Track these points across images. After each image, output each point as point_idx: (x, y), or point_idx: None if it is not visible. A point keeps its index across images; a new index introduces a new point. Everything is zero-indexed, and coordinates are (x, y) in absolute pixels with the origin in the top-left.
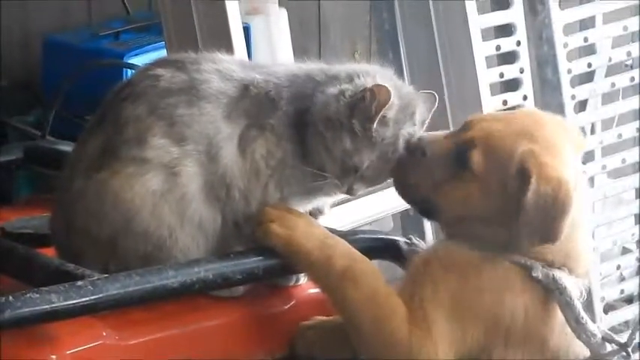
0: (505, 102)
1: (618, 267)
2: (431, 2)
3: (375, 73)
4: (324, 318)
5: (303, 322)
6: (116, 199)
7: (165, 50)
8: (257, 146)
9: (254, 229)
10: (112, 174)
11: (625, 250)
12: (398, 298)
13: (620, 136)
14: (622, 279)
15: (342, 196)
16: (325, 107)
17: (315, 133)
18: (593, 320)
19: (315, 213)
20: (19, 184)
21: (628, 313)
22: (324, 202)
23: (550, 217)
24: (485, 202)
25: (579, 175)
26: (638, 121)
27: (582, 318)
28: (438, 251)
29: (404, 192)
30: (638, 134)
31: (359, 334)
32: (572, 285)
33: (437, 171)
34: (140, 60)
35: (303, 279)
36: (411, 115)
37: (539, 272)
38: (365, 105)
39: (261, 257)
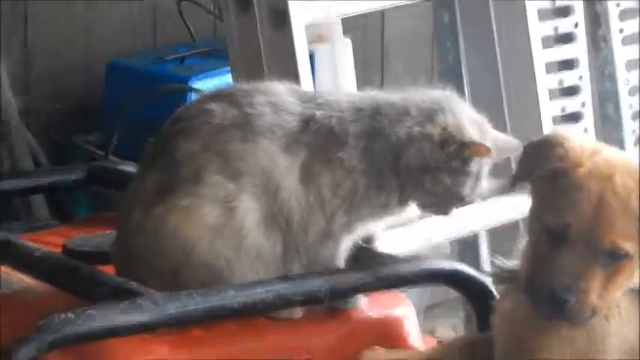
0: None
1: None
2: (495, 35)
3: (450, 108)
4: (388, 351)
5: (364, 350)
6: (174, 234)
7: (229, 75)
8: (323, 179)
9: None
10: (169, 209)
11: None
12: None
13: None
14: None
15: (400, 220)
16: (418, 155)
17: (411, 180)
18: None
19: (370, 238)
20: (79, 203)
21: None
22: (377, 226)
23: None
24: None
25: None
26: None
27: None
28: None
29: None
30: None
31: None
32: None
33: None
34: (204, 84)
35: (362, 303)
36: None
37: None
38: (463, 155)
39: (321, 279)
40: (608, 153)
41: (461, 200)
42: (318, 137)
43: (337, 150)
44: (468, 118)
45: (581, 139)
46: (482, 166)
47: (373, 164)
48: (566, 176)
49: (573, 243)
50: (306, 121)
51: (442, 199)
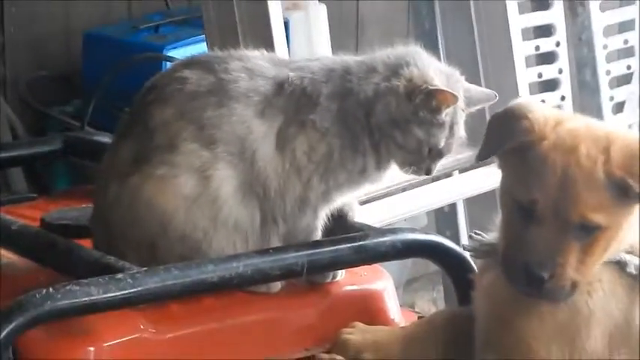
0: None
1: None
2: (472, 1)
3: (415, 62)
4: (367, 329)
5: (344, 328)
6: (150, 205)
7: (204, 43)
8: (298, 143)
9: (331, 348)
10: (144, 178)
11: None
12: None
13: None
14: None
15: (376, 192)
16: (386, 109)
17: (383, 137)
18: None
19: (346, 209)
20: (58, 175)
21: None
22: (352, 198)
23: None
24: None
25: None
26: None
27: None
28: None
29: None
30: None
31: None
32: None
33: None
34: (179, 53)
35: (340, 275)
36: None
37: (632, 268)
38: (431, 105)
39: (299, 253)
40: (573, 122)
41: (439, 153)
42: (292, 100)
43: (309, 112)
44: (434, 69)
45: (544, 110)
46: (455, 116)
47: (346, 125)
48: (531, 149)
49: (543, 218)
50: (281, 84)
51: (418, 154)
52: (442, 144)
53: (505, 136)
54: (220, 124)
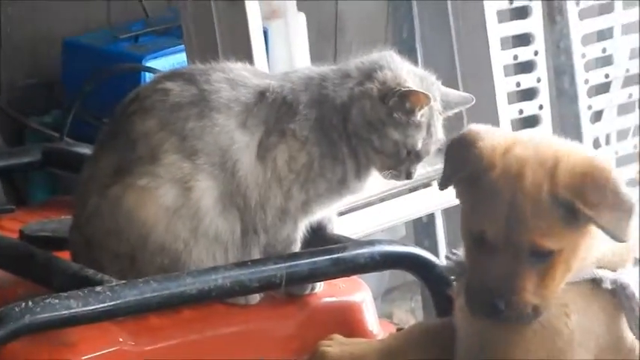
0: (521, 111)
1: None
2: (450, 9)
3: (389, 65)
4: (345, 341)
5: (322, 341)
6: (130, 216)
7: (184, 53)
8: (278, 152)
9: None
10: (124, 189)
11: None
12: None
13: (635, 146)
14: None
15: (355, 202)
16: (360, 113)
17: (360, 141)
18: None
19: (325, 221)
20: (36, 186)
21: None
22: (335, 208)
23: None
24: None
25: None
26: None
27: None
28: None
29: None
30: None
31: None
32: (634, 279)
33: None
34: (159, 63)
35: (318, 287)
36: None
37: (608, 283)
38: (404, 106)
39: (278, 265)
40: (522, 147)
41: (417, 156)
42: (273, 109)
43: (289, 121)
44: (407, 72)
45: (494, 137)
46: (431, 117)
47: (324, 132)
48: (480, 178)
49: (495, 247)
50: (262, 93)
51: (396, 157)
52: (419, 145)
53: (456, 165)
54: (202, 135)
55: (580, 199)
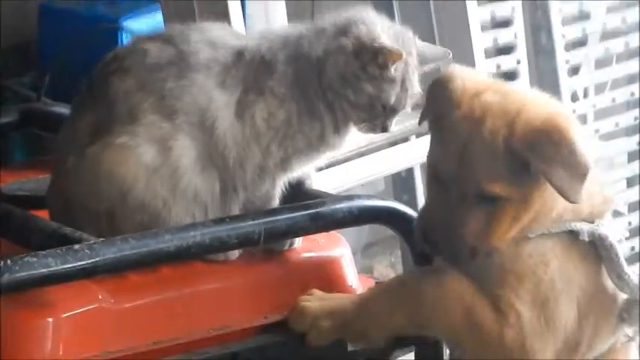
0: (499, 66)
1: None
2: None
3: (364, 21)
4: (325, 296)
5: (302, 296)
6: (110, 174)
7: (160, 14)
8: (257, 110)
9: (289, 315)
10: (104, 147)
11: (616, 214)
12: (486, 308)
13: (613, 100)
14: None
15: (333, 158)
16: (335, 68)
17: (336, 96)
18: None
19: (303, 177)
20: (15, 147)
21: None
22: (314, 165)
23: (570, 152)
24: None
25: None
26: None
27: (625, 274)
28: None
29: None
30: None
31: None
32: (615, 232)
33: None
34: (136, 24)
35: (297, 243)
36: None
37: (585, 235)
38: (378, 61)
39: (256, 221)
40: (490, 94)
41: (392, 110)
42: (251, 68)
43: (267, 78)
44: (382, 28)
45: (468, 80)
46: (407, 72)
47: (301, 89)
48: (445, 117)
49: (446, 185)
50: (240, 53)
51: (371, 110)
52: (393, 100)
53: (430, 103)
54: (181, 94)
55: (532, 153)
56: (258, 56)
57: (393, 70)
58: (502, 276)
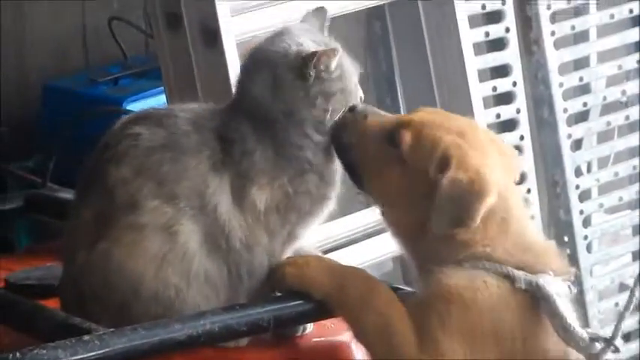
0: (498, 115)
1: (616, 304)
2: (427, 43)
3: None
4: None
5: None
6: (121, 269)
7: (164, 95)
8: (255, 196)
9: (270, 278)
10: (112, 243)
11: (623, 287)
12: (410, 326)
13: (616, 174)
14: None
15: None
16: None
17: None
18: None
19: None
20: (21, 232)
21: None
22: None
23: (465, 201)
24: (408, 184)
25: (512, 184)
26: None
27: (569, 325)
28: (431, 287)
29: (338, 149)
30: (635, 172)
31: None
32: (558, 287)
33: (371, 140)
34: (139, 106)
35: (309, 329)
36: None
37: (522, 283)
38: (319, 67)
39: (266, 309)
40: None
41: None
42: (232, 152)
43: (248, 160)
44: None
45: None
46: (341, 73)
47: (279, 153)
48: None
49: None
50: (221, 137)
51: (319, 126)
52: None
53: None
54: (179, 178)
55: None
56: (230, 139)
57: (333, 67)
58: (431, 300)
